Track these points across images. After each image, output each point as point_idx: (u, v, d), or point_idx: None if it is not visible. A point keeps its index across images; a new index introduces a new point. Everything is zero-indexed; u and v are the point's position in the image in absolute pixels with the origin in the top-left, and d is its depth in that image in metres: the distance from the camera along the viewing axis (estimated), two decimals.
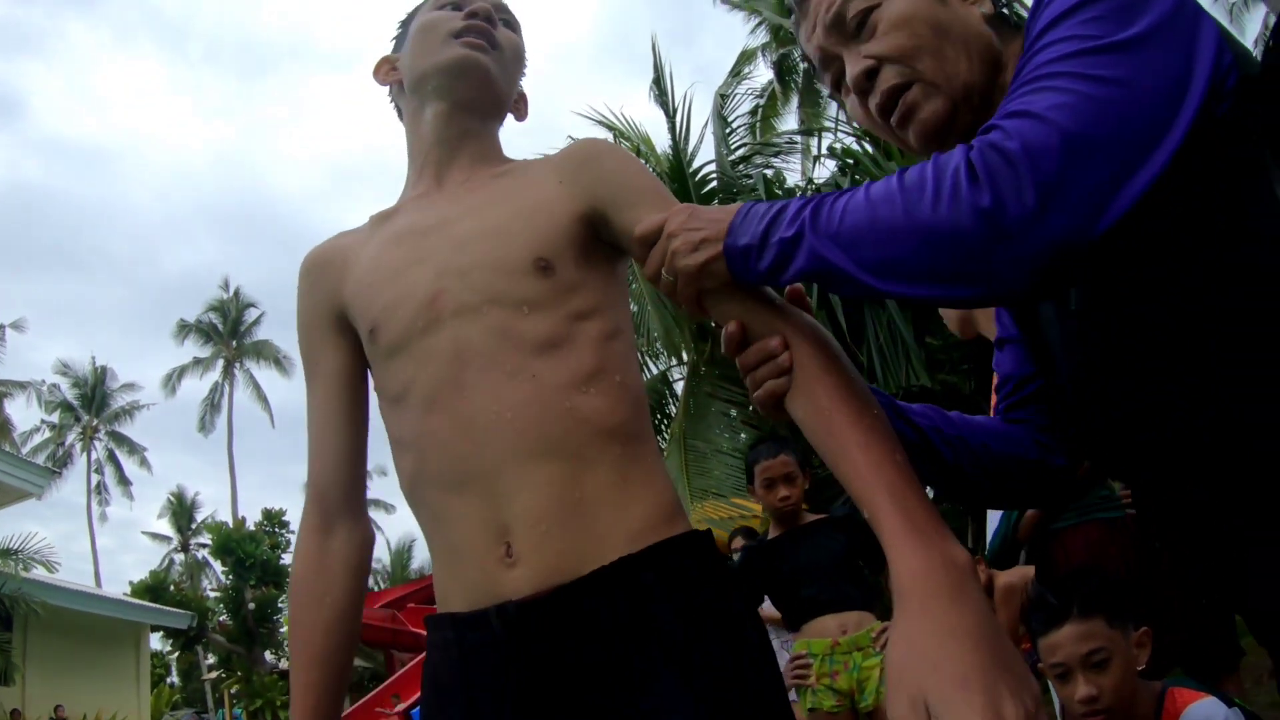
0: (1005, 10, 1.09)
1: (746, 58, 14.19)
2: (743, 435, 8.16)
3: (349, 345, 1.27)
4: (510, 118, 1.43)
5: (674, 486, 1.17)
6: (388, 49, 1.45)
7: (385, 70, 1.42)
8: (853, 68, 1.07)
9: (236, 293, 41.14)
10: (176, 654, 32.25)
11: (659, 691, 0.99)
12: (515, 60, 1.38)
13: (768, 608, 3.86)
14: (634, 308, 7.93)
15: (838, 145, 8.91)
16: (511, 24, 1.39)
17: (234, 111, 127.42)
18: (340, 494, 1.26)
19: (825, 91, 1.23)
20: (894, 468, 0.88)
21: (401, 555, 43.28)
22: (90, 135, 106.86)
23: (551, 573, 1.03)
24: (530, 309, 1.11)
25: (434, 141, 1.31)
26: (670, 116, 9.67)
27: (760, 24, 18.46)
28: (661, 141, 9.95)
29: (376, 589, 37.54)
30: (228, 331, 40.54)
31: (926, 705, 0.73)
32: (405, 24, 1.43)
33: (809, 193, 8.40)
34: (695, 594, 1.05)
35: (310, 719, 1.21)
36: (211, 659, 31.19)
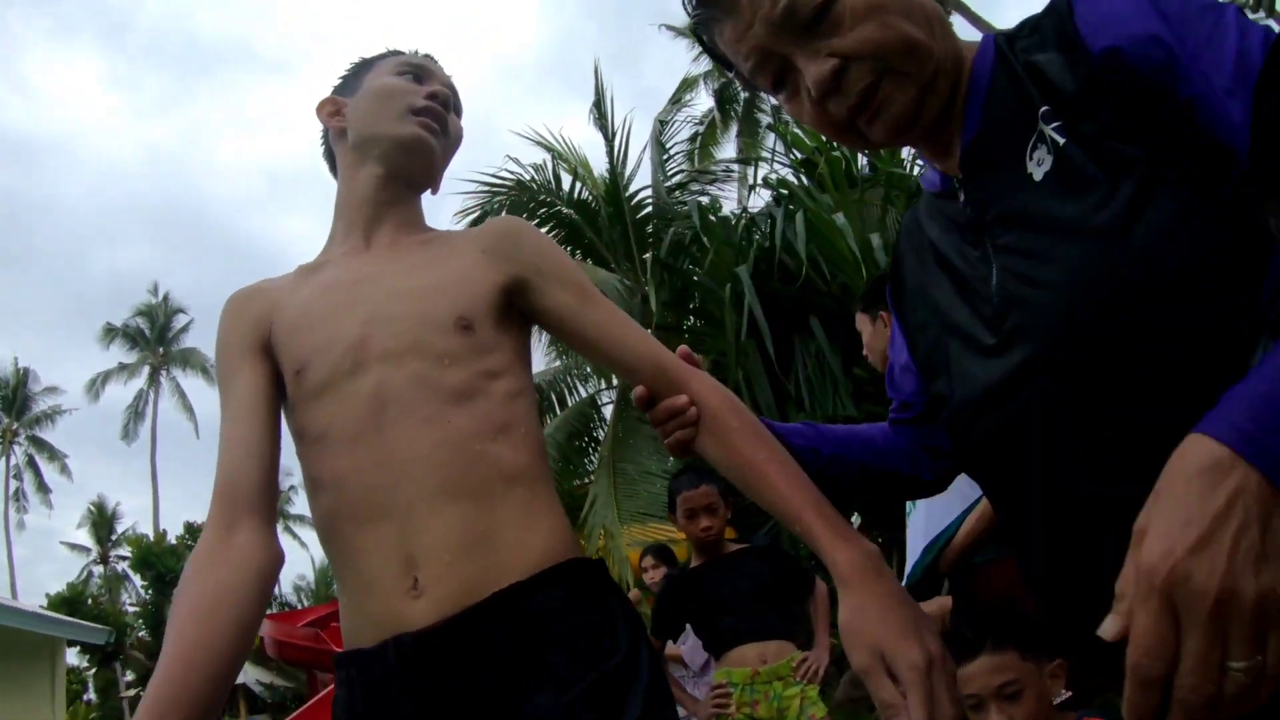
0: None
1: (688, 85, 14.33)
2: (671, 460, 8.19)
3: (266, 372, 1.29)
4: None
5: (569, 526, 1.24)
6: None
7: (329, 113, 1.47)
8: (816, 69, 0.95)
9: (165, 298, 40.39)
10: (94, 670, 31.27)
11: (541, 715, 1.07)
12: (455, 146, 1.47)
13: (671, 645, 3.88)
14: None
15: (773, 176, 9.01)
16: (459, 110, 1.49)
17: (171, 111, 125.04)
18: (250, 490, 1.21)
19: (744, 93, 1.18)
20: (808, 488, 1.10)
21: (325, 573, 42.53)
22: (21, 126, 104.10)
23: (453, 603, 1.09)
24: (450, 362, 1.20)
25: (366, 201, 1.39)
26: (609, 141, 9.73)
27: (703, 53, 18.61)
28: (599, 165, 10.02)
29: (300, 607, 37.07)
30: (155, 337, 39.72)
31: (881, 653, 0.96)
32: (358, 72, 1.48)
33: (742, 221, 8.52)
34: (584, 619, 1.14)
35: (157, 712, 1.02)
36: (130, 676, 30.31)
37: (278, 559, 1.20)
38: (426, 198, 1.48)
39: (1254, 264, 0.81)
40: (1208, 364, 0.81)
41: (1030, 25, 0.98)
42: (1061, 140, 0.89)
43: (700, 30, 1.07)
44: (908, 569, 2.98)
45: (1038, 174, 0.91)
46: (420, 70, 1.45)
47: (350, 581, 1.17)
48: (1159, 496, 0.69)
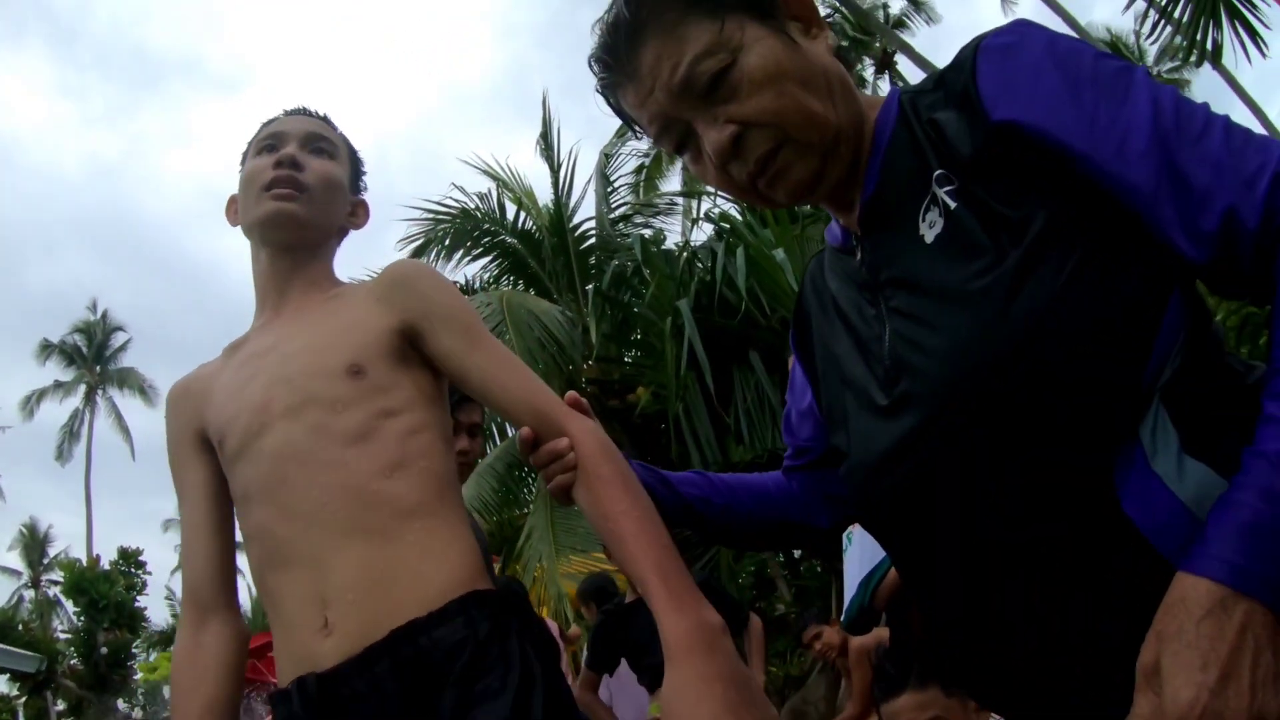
0: (842, 46, 1.05)
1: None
2: None
3: (210, 462, 1.40)
4: (350, 231, 1.57)
5: (476, 556, 1.28)
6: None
7: (230, 211, 1.54)
8: (715, 136, 0.97)
9: (104, 315, 39.48)
10: (24, 699, 30.29)
11: None
12: (331, 191, 1.48)
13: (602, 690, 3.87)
14: None
15: (715, 211, 9.10)
16: (327, 148, 1.49)
17: (117, 123, 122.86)
18: (211, 592, 1.38)
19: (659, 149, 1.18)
20: (660, 549, 1.10)
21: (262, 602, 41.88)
22: None
23: (357, 641, 1.15)
24: (343, 407, 1.27)
25: (267, 277, 1.46)
26: (555, 171, 9.75)
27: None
28: (544, 195, 10.02)
29: None
30: (92, 355, 38.79)
31: None
32: (242, 161, 1.54)
33: (684, 255, 8.55)
34: (478, 657, 1.14)
35: None
36: (61, 705, 29.42)
37: (242, 637, 1.38)
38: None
39: (1144, 325, 0.84)
40: (1097, 423, 0.84)
41: (936, 79, 0.98)
42: (953, 204, 0.90)
43: (605, 93, 1.08)
44: (846, 601, 3.01)
45: (929, 236, 0.92)
46: (275, 137, 1.47)
47: (276, 624, 1.26)
48: (1166, 640, 0.74)
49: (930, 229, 0.92)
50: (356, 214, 1.58)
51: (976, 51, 0.91)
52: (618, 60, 1.02)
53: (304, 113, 1.53)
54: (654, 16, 0.98)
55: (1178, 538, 0.80)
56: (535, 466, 1.25)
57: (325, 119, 1.55)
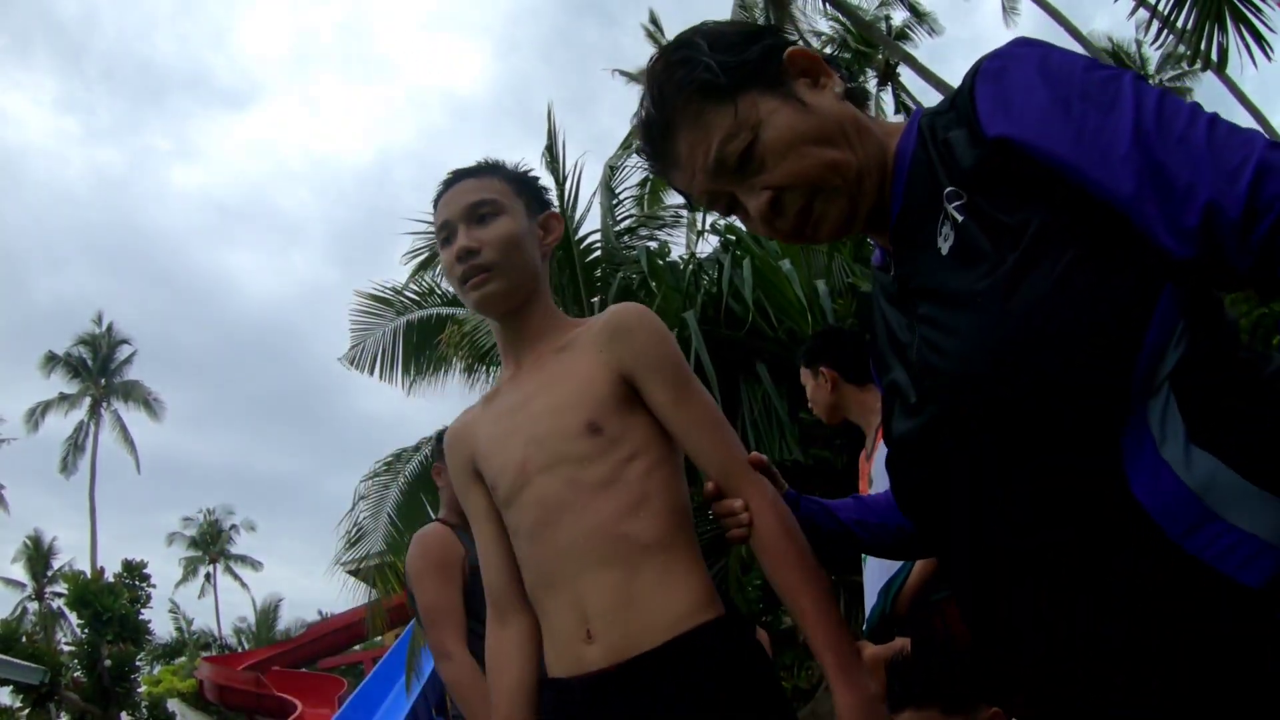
0: (849, 84, 1.15)
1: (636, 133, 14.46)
2: None
3: (484, 490, 1.65)
4: (553, 247, 1.75)
5: (706, 585, 1.49)
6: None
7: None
8: (755, 202, 1.10)
9: (109, 328, 39.61)
10: (27, 711, 30.23)
11: None
12: (512, 249, 1.62)
13: None
14: None
15: (721, 222, 9.08)
16: (491, 210, 1.62)
17: (123, 137, 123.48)
18: (506, 595, 1.62)
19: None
20: (833, 626, 1.36)
21: (267, 615, 41.80)
22: None
23: (616, 651, 1.41)
24: (588, 462, 1.49)
25: (503, 338, 1.70)
26: (560, 184, 9.72)
27: None
28: None
29: (240, 649, 36.22)
30: (97, 368, 38.88)
31: None
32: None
33: (690, 267, 8.58)
34: (714, 675, 1.40)
35: None
36: (64, 718, 29.39)
37: (536, 627, 1.58)
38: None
39: (1134, 319, 0.89)
40: (1097, 416, 0.89)
41: (950, 101, 1.05)
42: (960, 218, 0.98)
43: (659, 176, 1.28)
44: (867, 611, 2.99)
45: (944, 249, 1.00)
46: (446, 228, 1.64)
47: (548, 632, 1.54)
48: None
49: (945, 242, 1.00)
50: (548, 230, 1.73)
51: (975, 74, 1.00)
52: (657, 153, 1.18)
53: (456, 179, 1.67)
54: (678, 112, 1.12)
55: (1184, 522, 0.85)
56: (714, 516, 1.49)
57: (477, 170, 1.68)
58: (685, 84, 1.11)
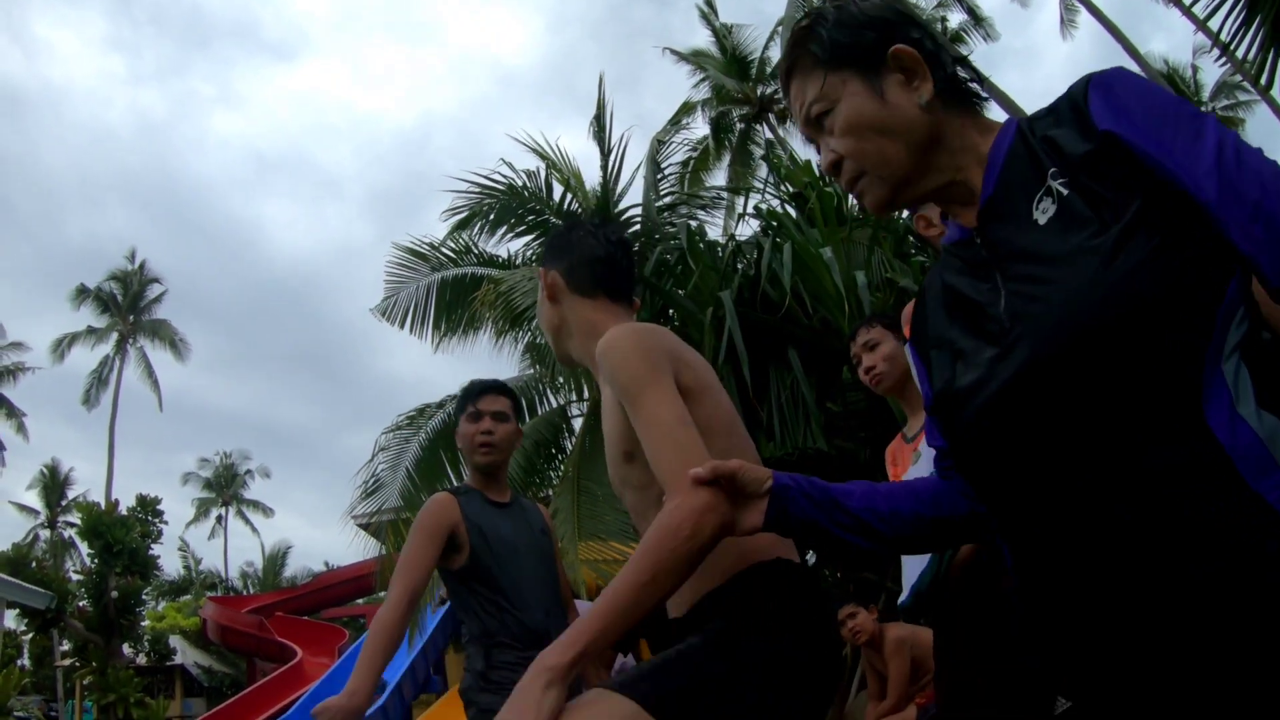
0: (949, 87, 1.29)
1: (687, 109, 14.41)
2: None
3: None
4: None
5: (728, 562, 1.59)
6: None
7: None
8: (824, 157, 1.34)
9: (142, 266, 39.94)
10: (30, 635, 30.67)
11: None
12: (551, 329, 1.98)
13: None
14: (542, 340, 7.86)
15: (764, 206, 9.04)
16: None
17: (167, 81, 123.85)
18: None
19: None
20: (603, 602, 1.38)
21: (275, 561, 42.23)
22: (14, 76, 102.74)
23: (673, 608, 1.64)
24: (638, 482, 1.69)
25: None
26: (605, 155, 9.72)
27: (703, 80, 18.80)
28: (591, 179, 9.99)
29: (245, 593, 36.53)
30: (127, 305, 39.24)
31: None
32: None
33: (729, 248, 8.55)
34: (697, 627, 1.57)
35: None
36: (66, 645, 29.80)
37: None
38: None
39: (1212, 295, 1.06)
40: (1182, 365, 1.05)
41: (1048, 110, 1.23)
42: (1065, 192, 1.14)
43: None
44: (906, 577, 2.94)
45: (1042, 219, 1.16)
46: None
47: None
48: None
49: (1043, 214, 1.16)
50: (550, 286, 1.96)
51: (1088, 84, 1.17)
52: (784, 88, 1.42)
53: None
54: (794, 64, 1.36)
55: (1258, 467, 1.01)
56: None
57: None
58: (801, 45, 1.35)
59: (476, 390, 3.26)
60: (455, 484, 3.32)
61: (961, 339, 1.25)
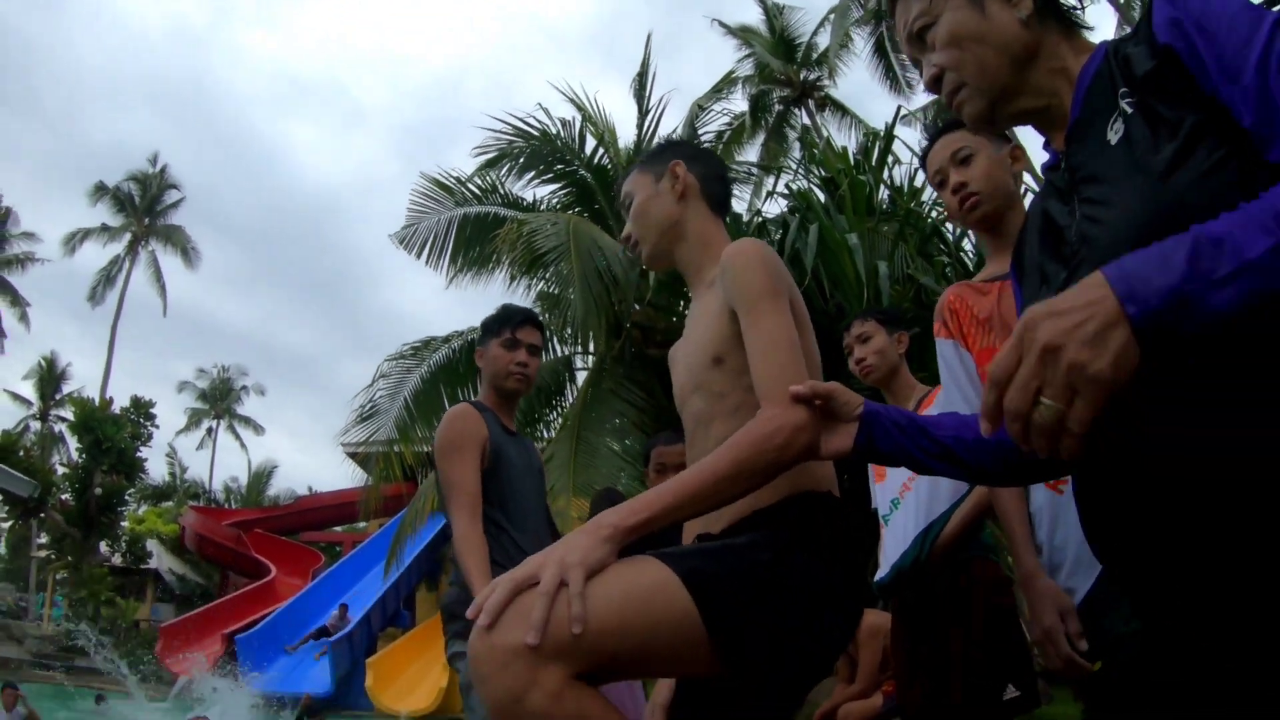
0: (1049, 4, 1.31)
1: (729, 81, 14.33)
2: (629, 440, 8.18)
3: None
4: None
5: (792, 478, 1.60)
6: None
7: None
8: (925, 73, 1.36)
9: (163, 170, 39.80)
10: (9, 524, 30.89)
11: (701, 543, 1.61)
12: (642, 214, 1.96)
13: None
14: (556, 289, 7.85)
15: (795, 186, 9.01)
16: (629, 201, 1.98)
17: None
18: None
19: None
20: (686, 478, 1.43)
21: (260, 479, 42.37)
22: None
23: (725, 521, 1.62)
24: (718, 388, 1.70)
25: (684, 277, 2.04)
26: (642, 114, 9.69)
27: (748, 56, 18.68)
28: (625, 137, 9.96)
29: (228, 507, 36.78)
30: (144, 207, 39.15)
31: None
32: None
33: (754, 223, 8.53)
34: (750, 530, 1.57)
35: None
36: (44, 538, 30.01)
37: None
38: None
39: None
40: None
41: (1134, 27, 1.23)
42: (1130, 110, 1.14)
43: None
44: (886, 558, 3.00)
45: (1113, 140, 1.16)
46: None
47: None
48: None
49: (1115, 134, 1.16)
50: (675, 178, 1.95)
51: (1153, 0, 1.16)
52: (891, 11, 1.44)
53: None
54: None
55: None
56: None
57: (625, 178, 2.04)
58: None
59: (518, 318, 3.21)
60: (471, 402, 3.13)
61: (1048, 263, 1.27)
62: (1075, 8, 1.34)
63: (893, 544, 2.99)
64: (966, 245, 7.85)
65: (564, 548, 1.31)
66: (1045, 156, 1.37)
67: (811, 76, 18.48)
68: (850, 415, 1.47)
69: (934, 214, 8.07)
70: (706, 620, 1.34)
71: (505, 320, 3.20)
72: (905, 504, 2.98)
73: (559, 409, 9.08)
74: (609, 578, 1.30)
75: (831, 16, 17.98)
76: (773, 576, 1.46)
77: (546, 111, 9.73)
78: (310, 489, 35.99)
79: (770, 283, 1.63)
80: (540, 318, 3.32)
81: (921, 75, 1.40)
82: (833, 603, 1.52)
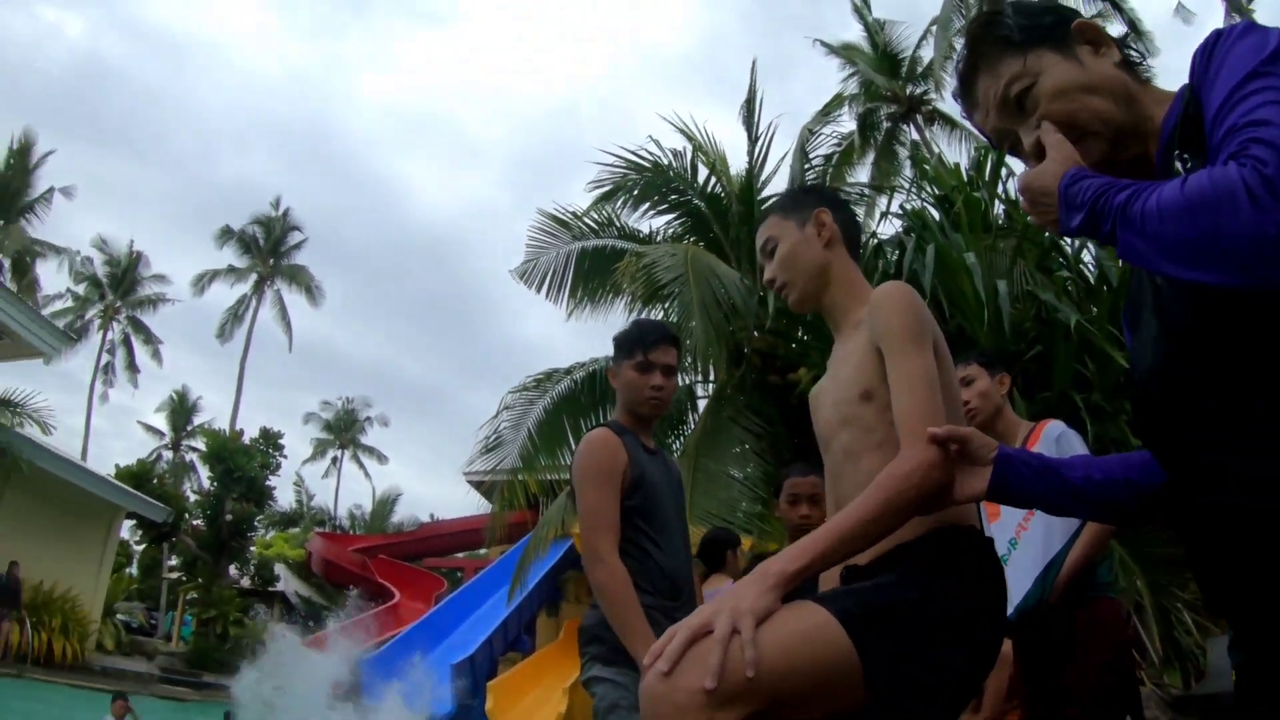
0: (1129, 53, 1.38)
1: (838, 102, 14.26)
2: (750, 468, 8.21)
3: None
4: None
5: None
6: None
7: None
8: (1030, 138, 1.36)
9: (285, 213, 41.42)
10: (143, 546, 32.36)
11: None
12: (790, 261, 2.01)
13: None
14: (676, 318, 7.94)
15: (909, 206, 8.96)
16: (774, 244, 2.02)
17: (319, 37, 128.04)
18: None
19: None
20: (836, 523, 1.52)
21: (384, 507, 43.47)
22: (172, 22, 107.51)
23: (873, 554, 1.61)
24: (867, 423, 1.76)
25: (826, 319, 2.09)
26: (753, 140, 9.75)
27: (853, 75, 18.56)
28: (736, 164, 10.04)
29: (353, 533, 37.81)
30: (268, 248, 40.77)
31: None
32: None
33: (870, 245, 8.49)
34: (894, 567, 1.62)
35: None
36: (174, 560, 31.34)
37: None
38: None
39: None
40: None
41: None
42: (1181, 167, 1.19)
43: (966, 113, 1.51)
44: (1012, 598, 3.03)
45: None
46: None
47: None
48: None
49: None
50: (821, 225, 2.02)
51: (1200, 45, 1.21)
52: (965, 92, 1.47)
53: (760, 223, 2.12)
54: (981, 58, 1.41)
55: None
56: None
57: (762, 218, 2.09)
58: (988, 37, 1.41)
59: (652, 338, 3.03)
60: (609, 424, 3.05)
61: (1143, 311, 1.33)
62: (1144, 65, 1.40)
63: (1014, 582, 3.04)
64: (1086, 258, 7.70)
65: (735, 597, 1.40)
66: None
67: (918, 91, 18.26)
68: (985, 459, 1.54)
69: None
70: (863, 656, 1.40)
71: (639, 341, 3.04)
72: (1023, 543, 3.01)
73: (680, 436, 9.16)
74: (776, 623, 1.39)
75: (934, 29, 17.78)
76: (920, 612, 1.52)
77: (657, 143, 9.89)
78: (432, 516, 36.91)
79: (916, 325, 1.71)
80: (675, 333, 3.19)
81: (1009, 147, 1.43)
82: (976, 633, 1.57)
